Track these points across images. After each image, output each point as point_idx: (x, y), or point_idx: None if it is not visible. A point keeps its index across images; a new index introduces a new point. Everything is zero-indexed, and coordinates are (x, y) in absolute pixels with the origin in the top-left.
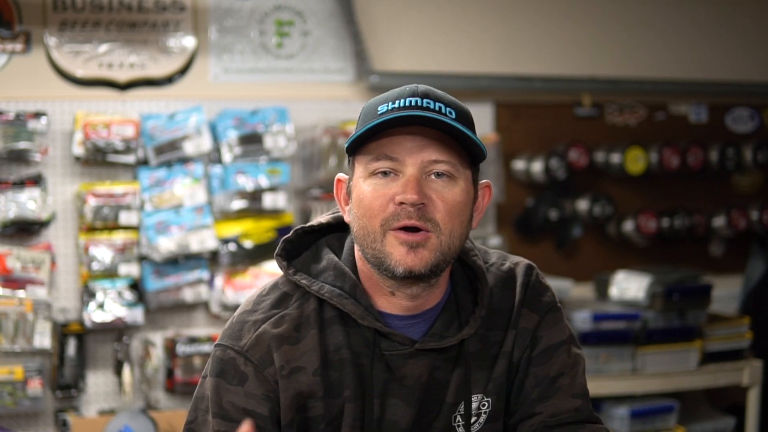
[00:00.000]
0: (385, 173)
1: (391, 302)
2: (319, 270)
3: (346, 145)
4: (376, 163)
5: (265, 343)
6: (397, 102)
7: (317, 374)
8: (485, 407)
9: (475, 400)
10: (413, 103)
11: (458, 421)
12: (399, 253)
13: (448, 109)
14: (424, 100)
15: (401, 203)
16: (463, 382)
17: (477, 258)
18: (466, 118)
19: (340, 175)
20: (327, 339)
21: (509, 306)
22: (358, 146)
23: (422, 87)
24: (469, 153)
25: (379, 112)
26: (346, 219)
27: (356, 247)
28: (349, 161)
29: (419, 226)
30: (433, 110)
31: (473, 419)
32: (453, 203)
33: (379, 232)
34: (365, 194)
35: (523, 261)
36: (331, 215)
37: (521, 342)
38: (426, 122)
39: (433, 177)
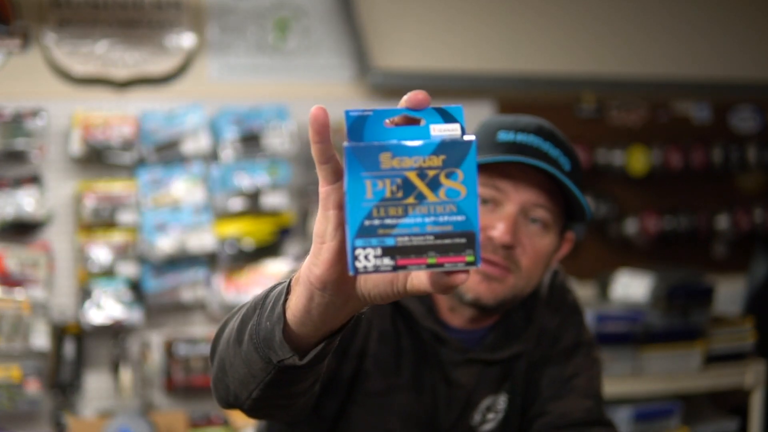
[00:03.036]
0: (484, 201)
1: (449, 315)
2: None
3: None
4: (481, 189)
5: None
6: (518, 135)
7: (380, 341)
8: (502, 405)
9: (497, 400)
10: (534, 144)
11: (477, 420)
12: (472, 281)
13: (565, 158)
14: (546, 143)
15: (491, 238)
16: (489, 383)
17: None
18: (578, 171)
19: None
20: (398, 325)
21: (533, 306)
22: None
23: (547, 127)
24: (569, 207)
25: (498, 140)
26: None
27: None
28: None
29: (502, 264)
30: (551, 157)
31: (491, 415)
32: (541, 252)
33: None
34: None
35: None
36: None
37: (541, 341)
38: (541, 172)
39: (529, 221)
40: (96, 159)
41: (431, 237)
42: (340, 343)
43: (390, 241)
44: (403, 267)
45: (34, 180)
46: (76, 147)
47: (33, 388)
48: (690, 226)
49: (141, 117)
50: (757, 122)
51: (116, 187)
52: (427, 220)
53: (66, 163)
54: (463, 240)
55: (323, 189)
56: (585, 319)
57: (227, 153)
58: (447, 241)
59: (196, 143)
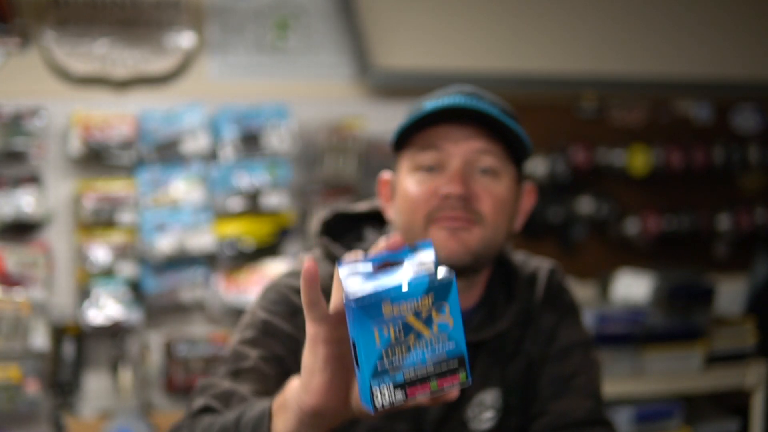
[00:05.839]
0: (430, 168)
1: None
2: (363, 249)
3: (391, 141)
4: (422, 154)
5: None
6: (443, 100)
7: None
8: (501, 403)
9: (490, 395)
10: (459, 101)
11: (470, 415)
12: (440, 239)
13: (493, 108)
14: (471, 99)
15: (446, 196)
16: (483, 376)
17: (512, 256)
18: (511, 116)
19: (384, 175)
20: None
21: (530, 304)
22: (403, 142)
23: (471, 87)
24: (513, 150)
25: (425, 109)
26: (390, 216)
27: None
28: (393, 158)
29: (464, 216)
30: (479, 107)
31: (489, 414)
32: (499, 198)
33: (422, 225)
34: (410, 188)
35: (546, 262)
36: (369, 204)
37: (539, 340)
38: (468, 114)
39: (478, 173)
40: (95, 159)
41: (431, 366)
42: None
43: (399, 378)
44: (413, 397)
45: (33, 180)
46: (75, 147)
47: (32, 388)
48: (691, 226)
49: (140, 116)
50: (758, 122)
51: (115, 186)
52: (426, 353)
53: (65, 162)
54: (455, 363)
55: (311, 329)
56: (582, 318)
57: (227, 153)
58: (443, 366)
59: (196, 143)
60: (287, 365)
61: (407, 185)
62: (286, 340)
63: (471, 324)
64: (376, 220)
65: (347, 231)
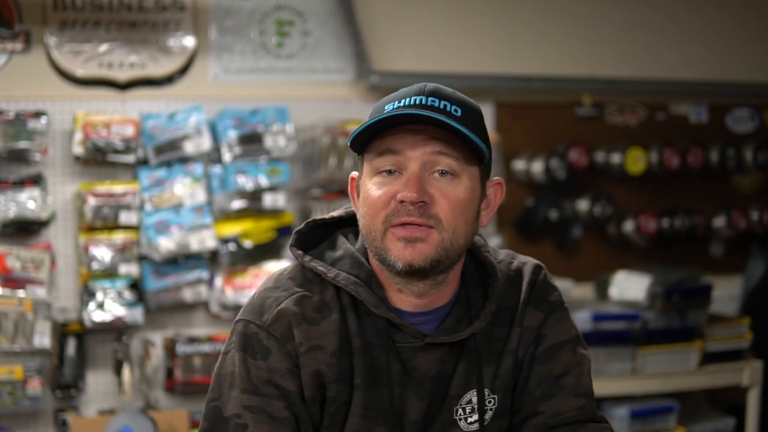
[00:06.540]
0: (389, 172)
1: (401, 298)
2: (335, 258)
3: (348, 142)
4: (380, 159)
5: (287, 319)
6: (403, 101)
7: (334, 356)
8: (491, 404)
9: (478, 395)
10: (418, 102)
11: (459, 414)
12: (397, 249)
13: (453, 107)
14: (429, 98)
15: (402, 201)
16: (468, 376)
17: (489, 254)
18: (472, 116)
19: (354, 174)
20: (347, 325)
21: (515, 304)
22: (364, 145)
23: (431, 85)
24: (474, 150)
25: (385, 111)
26: (358, 216)
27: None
28: (359, 160)
29: (420, 222)
30: (438, 108)
31: (478, 415)
32: (456, 201)
33: (381, 229)
34: (370, 192)
35: (531, 260)
36: (344, 209)
37: (526, 340)
38: (425, 120)
39: (436, 175)
40: (98, 159)
41: None
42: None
43: None
44: None
45: (37, 180)
46: (78, 148)
47: (35, 386)
48: (687, 226)
49: (142, 118)
50: (753, 123)
51: (118, 187)
52: None
53: (68, 163)
54: None
55: None
56: (569, 315)
57: (228, 154)
58: None
59: (197, 144)
60: (281, 417)
61: (368, 189)
62: (268, 387)
63: (446, 323)
64: (350, 225)
65: (321, 240)
